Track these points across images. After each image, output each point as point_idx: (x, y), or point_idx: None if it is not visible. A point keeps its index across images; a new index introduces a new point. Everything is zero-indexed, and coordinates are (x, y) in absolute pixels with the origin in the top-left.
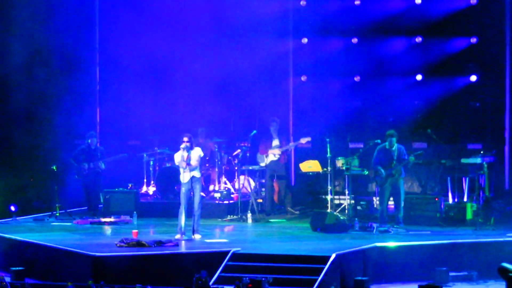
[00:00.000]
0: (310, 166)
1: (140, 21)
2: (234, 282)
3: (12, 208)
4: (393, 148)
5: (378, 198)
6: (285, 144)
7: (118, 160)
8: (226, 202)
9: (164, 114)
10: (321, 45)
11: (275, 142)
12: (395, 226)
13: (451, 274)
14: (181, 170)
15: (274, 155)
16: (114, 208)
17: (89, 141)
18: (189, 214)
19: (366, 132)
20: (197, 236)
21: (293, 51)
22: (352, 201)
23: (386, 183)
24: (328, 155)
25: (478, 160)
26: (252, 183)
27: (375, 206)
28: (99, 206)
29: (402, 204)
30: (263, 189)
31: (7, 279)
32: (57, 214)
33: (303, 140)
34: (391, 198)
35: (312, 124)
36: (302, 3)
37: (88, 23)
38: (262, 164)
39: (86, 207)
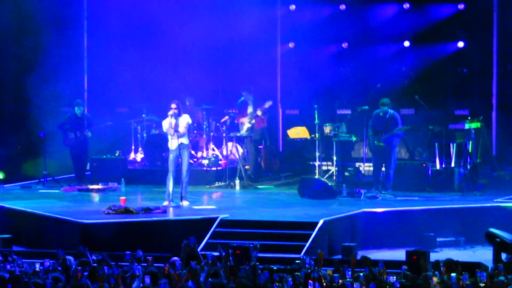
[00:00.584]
0: (298, 132)
1: None
2: (224, 248)
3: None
4: (387, 116)
5: (370, 164)
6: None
7: (105, 128)
8: (214, 168)
9: (152, 81)
10: (309, 11)
11: (250, 109)
12: (383, 192)
13: (439, 239)
14: (169, 137)
15: (250, 122)
16: (102, 175)
17: (76, 109)
18: (177, 181)
19: (354, 99)
20: (185, 203)
21: (281, 18)
22: (340, 167)
23: (377, 149)
24: (316, 121)
25: (466, 126)
26: (240, 150)
27: (362, 172)
28: (86, 173)
29: (392, 172)
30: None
31: None
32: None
33: (266, 105)
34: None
35: (300, 91)
36: None
37: None
38: (242, 132)
39: (73, 175)
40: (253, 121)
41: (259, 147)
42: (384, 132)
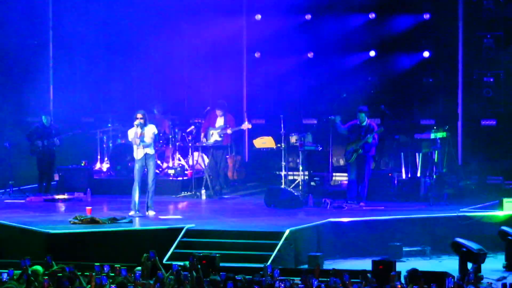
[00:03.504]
0: (264, 142)
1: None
2: (188, 258)
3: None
4: (363, 124)
5: (337, 173)
6: (233, 126)
7: (73, 136)
8: (180, 178)
9: (117, 91)
10: (275, 21)
11: (220, 122)
12: (349, 201)
13: (405, 249)
14: (135, 147)
15: (220, 135)
16: (68, 185)
17: (43, 118)
18: (143, 190)
19: (320, 108)
20: (151, 213)
21: (247, 28)
22: (306, 177)
23: (352, 158)
24: (282, 131)
25: (432, 136)
26: (206, 159)
27: (328, 181)
28: (52, 183)
29: (367, 182)
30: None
31: None
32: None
33: (244, 126)
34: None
35: (266, 101)
36: None
37: (41, 1)
38: (209, 142)
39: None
40: (222, 136)
41: (226, 156)
42: (358, 140)
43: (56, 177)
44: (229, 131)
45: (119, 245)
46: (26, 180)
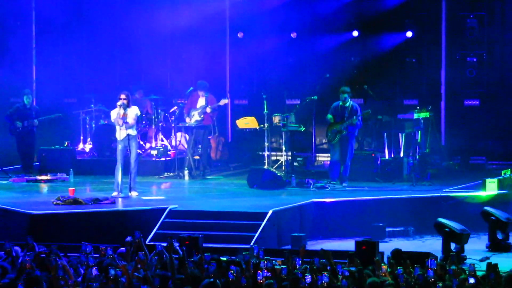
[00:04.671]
0: (247, 122)
1: None
2: (167, 239)
3: None
4: (346, 105)
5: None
6: (214, 103)
7: (53, 119)
8: (162, 159)
9: (100, 71)
10: (257, 1)
11: (202, 102)
12: (331, 182)
13: (388, 229)
14: (117, 128)
15: (200, 115)
16: (51, 166)
17: (25, 98)
18: (126, 171)
19: (303, 89)
20: (133, 194)
21: (230, 8)
22: (289, 158)
23: (335, 139)
24: (265, 111)
25: (415, 116)
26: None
27: (311, 162)
28: (34, 164)
29: (349, 163)
30: (200, 146)
31: None
32: None
33: (222, 102)
34: None
35: (249, 81)
36: None
37: None
38: (191, 122)
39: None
40: (202, 115)
41: (208, 137)
42: (342, 121)
43: (35, 159)
44: (208, 109)
45: (102, 226)
46: (10, 161)
